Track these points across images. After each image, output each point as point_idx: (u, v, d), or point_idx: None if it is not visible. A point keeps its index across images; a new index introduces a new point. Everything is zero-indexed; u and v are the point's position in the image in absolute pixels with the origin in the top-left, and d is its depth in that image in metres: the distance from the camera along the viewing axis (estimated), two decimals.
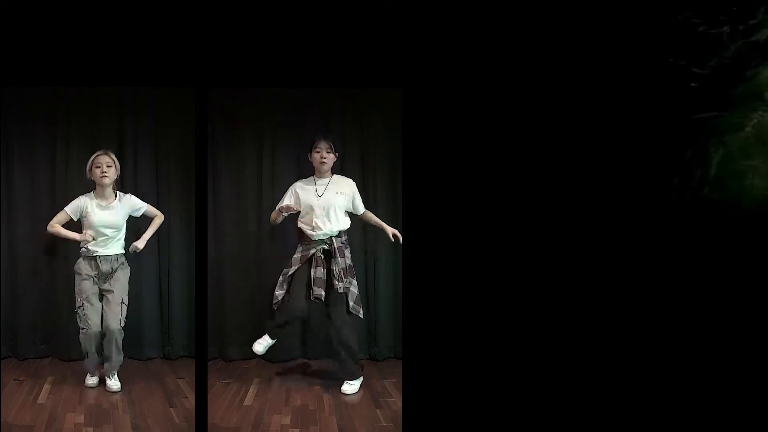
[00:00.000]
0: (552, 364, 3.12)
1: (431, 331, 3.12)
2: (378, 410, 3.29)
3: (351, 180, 3.56)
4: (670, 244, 3.13)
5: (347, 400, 3.39)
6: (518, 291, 3.13)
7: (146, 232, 3.49)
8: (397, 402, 3.31)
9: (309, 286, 3.45)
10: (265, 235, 3.70)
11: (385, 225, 3.52)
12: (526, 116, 3.13)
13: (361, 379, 3.52)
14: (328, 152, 3.48)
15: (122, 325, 3.41)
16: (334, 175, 3.55)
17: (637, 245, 3.13)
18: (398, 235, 3.42)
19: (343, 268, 3.47)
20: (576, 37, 3.12)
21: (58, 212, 3.42)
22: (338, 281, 3.45)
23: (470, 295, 3.12)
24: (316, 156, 3.49)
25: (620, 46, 3.12)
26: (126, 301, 3.44)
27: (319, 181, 3.52)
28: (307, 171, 3.59)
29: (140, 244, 3.47)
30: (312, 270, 3.46)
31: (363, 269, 3.71)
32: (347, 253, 3.52)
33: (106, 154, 3.37)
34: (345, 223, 3.52)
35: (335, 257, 3.47)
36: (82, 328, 3.38)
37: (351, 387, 3.47)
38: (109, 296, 3.40)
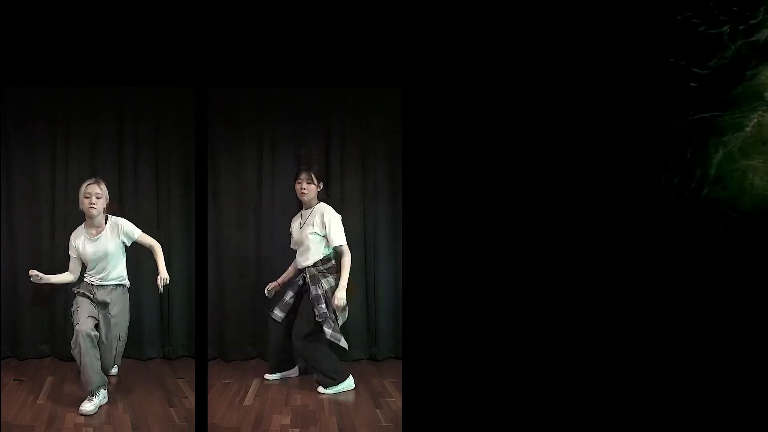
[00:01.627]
0: (552, 364, 3.12)
1: (431, 331, 3.12)
2: (378, 410, 3.29)
3: (331, 210, 3.52)
4: (670, 244, 3.13)
5: (345, 400, 3.41)
6: (518, 291, 3.13)
7: (159, 265, 3.38)
8: (397, 402, 3.31)
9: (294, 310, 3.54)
10: (265, 235, 3.70)
11: (342, 279, 3.50)
12: (526, 116, 3.13)
13: (344, 384, 3.49)
14: (308, 183, 3.51)
15: (118, 363, 3.38)
16: (319, 204, 3.55)
17: (638, 245, 3.13)
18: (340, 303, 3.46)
19: (315, 296, 3.48)
20: (576, 37, 3.12)
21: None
22: (317, 307, 3.47)
23: (470, 295, 3.12)
24: (297, 187, 3.54)
25: (620, 46, 3.12)
26: (123, 338, 3.37)
27: (304, 213, 3.57)
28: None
29: (164, 274, 3.37)
30: (286, 291, 3.56)
31: (363, 269, 3.71)
32: (324, 281, 3.51)
33: (96, 183, 3.31)
34: (318, 255, 3.53)
35: (308, 286, 3.50)
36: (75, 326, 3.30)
37: (325, 390, 3.47)
38: (107, 332, 3.31)
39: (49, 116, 3.54)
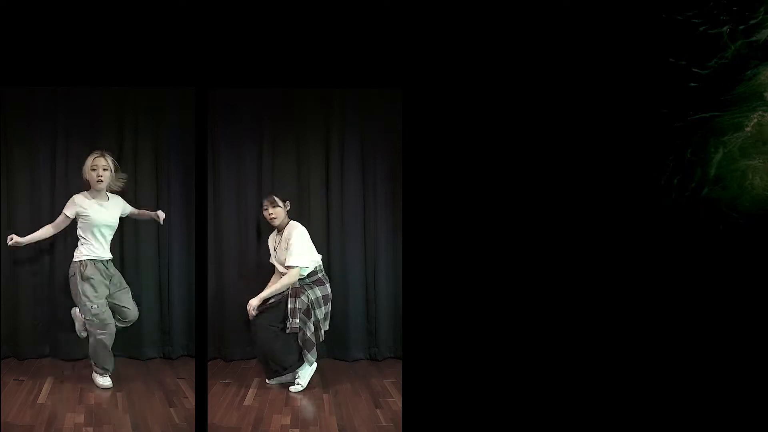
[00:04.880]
0: (552, 364, 3.12)
1: (431, 331, 3.12)
2: (378, 410, 3.29)
3: (297, 230, 3.51)
4: (670, 244, 3.13)
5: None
6: (518, 291, 3.13)
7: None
8: (397, 402, 3.31)
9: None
10: (264, 235, 3.70)
11: (266, 290, 3.50)
12: (526, 116, 3.13)
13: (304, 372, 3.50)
14: (273, 207, 3.52)
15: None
16: (290, 224, 3.54)
17: (638, 245, 3.14)
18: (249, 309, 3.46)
19: (292, 309, 3.49)
20: (576, 37, 3.12)
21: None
22: (289, 320, 3.48)
23: (470, 295, 3.13)
24: (265, 215, 3.54)
25: (620, 46, 3.12)
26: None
27: (277, 236, 3.58)
28: (306, 170, 3.62)
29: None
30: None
31: (363, 269, 3.71)
32: (310, 292, 3.52)
33: (103, 156, 3.39)
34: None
35: (287, 298, 3.51)
36: (101, 333, 3.40)
37: (295, 386, 3.49)
38: (122, 292, 3.46)
39: (49, 116, 3.54)
